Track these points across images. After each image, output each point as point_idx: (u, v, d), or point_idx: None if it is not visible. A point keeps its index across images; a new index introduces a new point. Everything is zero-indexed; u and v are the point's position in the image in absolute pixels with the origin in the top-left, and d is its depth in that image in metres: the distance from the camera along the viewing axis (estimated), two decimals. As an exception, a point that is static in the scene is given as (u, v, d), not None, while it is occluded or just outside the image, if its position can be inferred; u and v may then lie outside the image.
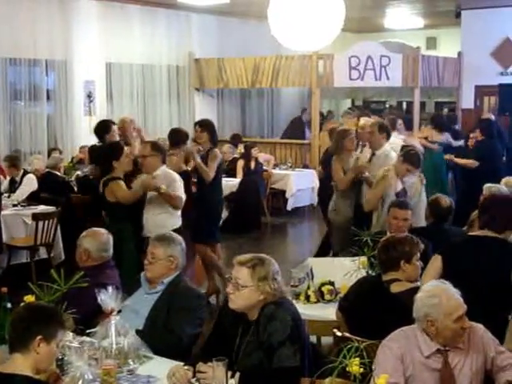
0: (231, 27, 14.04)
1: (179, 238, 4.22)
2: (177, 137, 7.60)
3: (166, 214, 6.25)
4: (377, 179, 6.58)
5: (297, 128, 14.17)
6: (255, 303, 3.40)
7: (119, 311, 3.60)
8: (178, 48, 13.37)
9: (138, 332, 3.66)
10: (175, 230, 5.83)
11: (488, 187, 6.58)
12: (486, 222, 4.05)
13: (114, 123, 7.94)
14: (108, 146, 7.01)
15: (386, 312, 3.79)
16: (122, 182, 6.19)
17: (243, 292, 3.39)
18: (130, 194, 6.15)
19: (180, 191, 6.26)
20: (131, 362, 3.44)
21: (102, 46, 11.80)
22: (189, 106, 13.84)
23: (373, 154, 7.11)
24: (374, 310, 3.92)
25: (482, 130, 9.66)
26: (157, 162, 6.26)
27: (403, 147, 7.06)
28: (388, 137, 7.16)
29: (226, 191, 10.34)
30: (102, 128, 7.81)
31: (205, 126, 7.61)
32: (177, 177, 6.35)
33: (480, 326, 3.40)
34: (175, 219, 6.32)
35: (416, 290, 3.65)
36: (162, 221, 6.19)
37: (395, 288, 4.03)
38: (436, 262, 4.15)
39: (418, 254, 4.15)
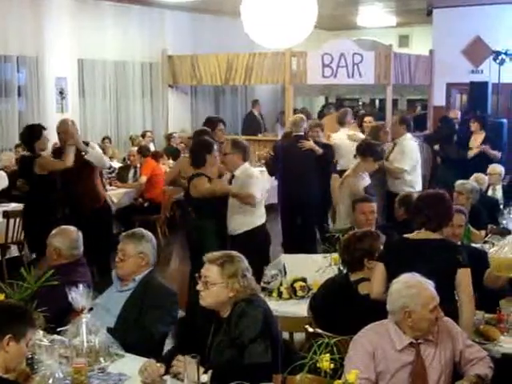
0: (205, 24, 14.01)
1: (150, 234, 4.20)
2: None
3: (246, 212, 6.12)
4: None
5: (250, 123, 14.18)
6: (225, 300, 3.41)
7: (90, 309, 3.58)
8: (151, 45, 13.31)
9: (109, 330, 3.65)
10: (256, 228, 6.06)
11: (461, 183, 6.67)
12: (422, 222, 4.04)
13: (44, 128, 7.18)
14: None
15: (354, 314, 3.80)
16: (205, 179, 6.05)
17: (213, 289, 3.40)
18: (205, 190, 6.04)
19: (253, 189, 6.05)
20: (102, 360, 3.43)
21: (74, 43, 11.70)
22: (162, 103, 13.79)
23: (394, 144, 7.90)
24: (343, 312, 3.93)
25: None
26: (238, 159, 6.18)
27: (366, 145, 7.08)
28: (408, 128, 8.09)
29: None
30: (30, 135, 7.04)
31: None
32: (254, 173, 6.25)
33: (448, 319, 3.46)
34: (255, 218, 6.17)
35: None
36: (243, 219, 6.11)
37: (363, 289, 4.03)
38: (380, 268, 4.04)
39: (381, 247, 4.16)
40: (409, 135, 8.09)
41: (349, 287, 4.12)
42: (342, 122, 9.24)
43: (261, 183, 6.29)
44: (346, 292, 4.11)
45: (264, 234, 6.22)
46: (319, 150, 8.06)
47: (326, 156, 8.15)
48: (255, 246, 5.72)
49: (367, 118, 9.55)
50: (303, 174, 7.87)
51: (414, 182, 7.85)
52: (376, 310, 3.53)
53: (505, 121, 12.50)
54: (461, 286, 3.89)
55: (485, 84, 12.58)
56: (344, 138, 8.80)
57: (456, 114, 11.15)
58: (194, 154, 6.19)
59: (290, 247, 7.34)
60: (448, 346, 3.37)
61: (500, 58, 12.68)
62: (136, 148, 10.74)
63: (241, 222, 6.10)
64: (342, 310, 3.97)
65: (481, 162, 9.23)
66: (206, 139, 6.37)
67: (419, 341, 3.30)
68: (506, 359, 3.83)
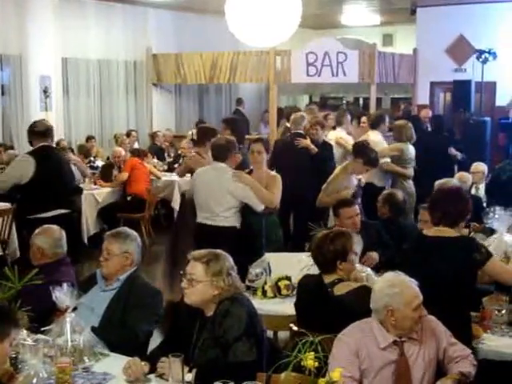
0: (189, 23, 13.99)
1: (134, 233, 4.20)
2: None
3: None
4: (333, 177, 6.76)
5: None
6: (210, 298, 3.42)
7: (74, 308, 3.58)
8: (135, 43, 13.28)
9: (93, 329, 3.64)
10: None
11: (441, 182, 6.71)
12: (439, 218, 4.07)
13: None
14: None
15: (328, 315, 3.80)
16: None
17: (197, 287, 3.41)
18: None
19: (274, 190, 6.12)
20: (87, 360, 3.43)
21: (58, 41, 11.64)
22: (146, 102, 13.76)
23: None
24: (319, 313, 3.93)
25: None
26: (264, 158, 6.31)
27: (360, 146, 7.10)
28: None
29: (184, 187, 10.33)
30: None
31: (229, 123, 7.51)
32: (277, 175, 6.30)
33: (432, 318, 3.48)
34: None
35: (361, 289, 3.71)
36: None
37: (339, 290, 4.00)
38: None
39: (354, 248, 4.13)
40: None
41: (322, 288, 4.07)
42: (339, 122, 9.47)
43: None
44: (320, 294, 4.07)
45: None
46: (314, 149, 8.09)
47: (322, 155, 8.15)
48: None
49: (363, 118, 9.59)
50: (297, 172, 7.83)
51: None
52: (351, 311, 3.54)
53: (488, 119, 12.60)
54: (497, 275, 4.00)
55: (468, 82, 12.66)
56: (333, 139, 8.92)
57: (427, 114, 11.15)
58: (218, 148, 6.13)
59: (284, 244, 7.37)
60: (432, 344, 3.39)
61: (483, 56, 12.77)
62: (120, 148, 10.69)
63: None
64: (317, 310, 3.96)
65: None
66: (230, 138, 6.35)
67: (403, 339, 3.31)
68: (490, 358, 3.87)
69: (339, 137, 9.02)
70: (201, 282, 3.40)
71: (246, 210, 6.01)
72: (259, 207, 5.94)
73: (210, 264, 3.42)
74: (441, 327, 3.47)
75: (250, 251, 5.53)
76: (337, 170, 6.90)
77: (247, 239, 5.89)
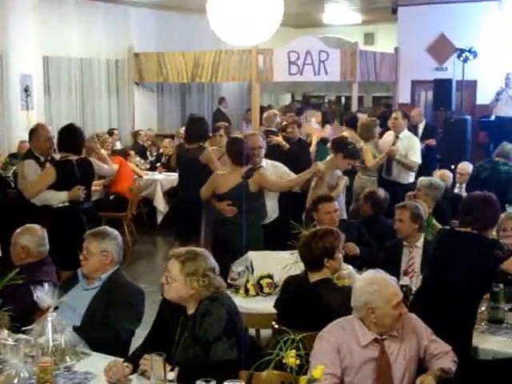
0: (171, 21, 13.96)
1: (115, 232, 4.19)
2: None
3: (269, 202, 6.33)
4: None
5: (218, 120, 14.17)
6: (186, 297, 3.43)
7: (56, 308, 3.56)
8: (117, 42, 13.21)
9: (75, 328, 3.63)
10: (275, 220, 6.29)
11: (420, 180, 6.77)
12: (469, 222, 4.14)
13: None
14: None
15: (314, 314, 3.82)
16: None
17: (173, 285, 3.43)
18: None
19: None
20: (68, 359, 3.41)
21: (39, 40, 11.55)
22: (128, 101, 13.70)
23: (396, 137, 8.25)
24: (302, 312, 3.95)
25: None
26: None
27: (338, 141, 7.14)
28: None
29: (166, 186, 10.34)
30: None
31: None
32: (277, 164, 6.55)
33: (412, 315, 3.50)
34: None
35: (345, 290, 3.73)
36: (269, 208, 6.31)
37: (324, 289, 4.05)
38: None
39: (341, 246, 4.18)
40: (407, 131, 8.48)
41: (311, 290, 4.08)
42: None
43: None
44: (306, 292, 4.09)
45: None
46: (286, 146, 8.18)
47: (295, 151, 8.20)
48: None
49: (396, 114, 9.68)
50: None
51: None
52: (336, 310, 3.57)
53: (469, 117, 12.69)
54: None
55: (449, 81, 12.74)
56: None
57: (417, 113, 11.28)
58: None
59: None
60: (412, 341, 3.41)
61: (464, 55, 12.85)
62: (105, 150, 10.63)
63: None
64: (302, 309, 3.98)
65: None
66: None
67: (383, 337, 3.33)
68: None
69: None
70: (176, 281, 3.41)
71: None
72: None
73: (186, 263, 3.42)
74: (421, 324, 3.50)
75: None
76: (322, 168, 6.89)
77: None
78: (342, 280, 4.45)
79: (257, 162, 6.27)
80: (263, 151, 6.44)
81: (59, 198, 6.15)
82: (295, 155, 8.19)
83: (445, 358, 3.45)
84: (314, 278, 4.11)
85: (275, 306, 4.35)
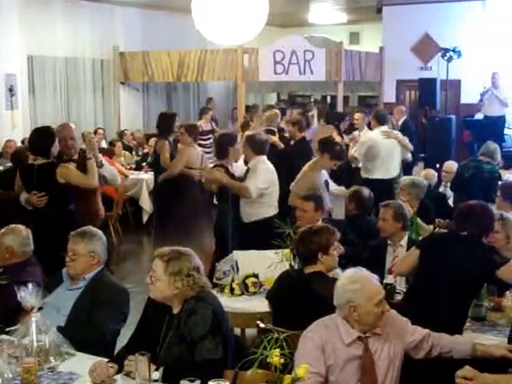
0: (156, 21, 13.94)
1: (100, 232, 4.19)
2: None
3: (254, 203, 6.37)
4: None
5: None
6: (171, 296, 3.43)
7: (40, 308, 3.55)
8: (102, 41, 13.19)
9: (59, 329, 3.62)
10: (267, 219, 6.20)
11: (402, 179, 6.80)
12: (465, 229, 4.24)
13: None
14: None
15: (308, 307, 3.85)
16: None
17: (157, 285, 3.43)
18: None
19: (250, 182, 6.30)
20: (52, 360, 3.40)
21: (23, 39, 11.50)
22: (114, 100, 13.67)
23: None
24: (297, 306, 3.98)
25: None
26: (250, 152, 6.55)
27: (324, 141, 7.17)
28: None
29: (152, 185, 10.30)
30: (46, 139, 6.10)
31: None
32: (260, 167, 6.42)
33: (393, 311, 3.52)
34: (266, 209, 6.39)
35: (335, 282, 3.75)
36: (252, 209, 6.38)
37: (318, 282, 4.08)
38: (413, 254, 4.36)
39: (336, 243, 4.23)
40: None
41: (303, 281, 4.15)
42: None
43: (262, 178, 6.41)
44: (301, 286, 4.14)
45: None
46: (280, 145, 8.34)
47: (292, 152, 8.29)
48: (264, 235, 5.76)
49: (357, 115, 9.75)
50: None
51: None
52: (326, 299, 3.57)
53: (453, 117, 12.77)
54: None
55: (433, 80, 12.81)
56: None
57: (398, 112, 11.37)
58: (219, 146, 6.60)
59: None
60: (396, 339, 3.42)
61: (448, 55, 12.94)
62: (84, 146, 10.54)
63: (248, 211, 6.40)
64: (297, 303, 4.01)
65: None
66: (231, 133, 6.62)
67: (367, 335, 3.34)
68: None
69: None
70: (160, 280, 3.41)
71: None
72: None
73: (170, 263, 3.42)
74: (402, 319, 3.52)
75: None
76: (305, 167, 6.94)
77: None
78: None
79: (72, 154, 6.14)
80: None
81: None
82: (292, 155, 8.22)
83: (436, 335, 3.51)
84: (308, 270, 4.18)
85: (267, 297, 4.39)
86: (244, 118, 11.37)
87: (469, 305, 4.16)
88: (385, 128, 8.40)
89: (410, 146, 8.55)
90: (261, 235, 5.78)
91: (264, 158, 6.49)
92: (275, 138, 8.36)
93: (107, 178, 6.40)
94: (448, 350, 3.50)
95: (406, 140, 8.48)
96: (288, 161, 8.05)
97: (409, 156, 8.70)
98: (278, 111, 9.56)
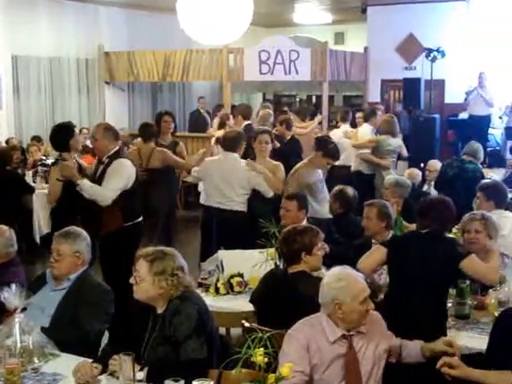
0: (141, 20, 13.92)
1: (84, 233, 4.18)
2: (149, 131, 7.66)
3: None
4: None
5: (195, 120, 14.18)
6: (155, 296, 3.43)
7: (24, 309, 3.54)
8: (87, 41, 13.15)
9: (43, 329, 3.62)
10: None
11: (386, 178, 6.84)
12: (427, 225, 4.26)
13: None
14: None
15: (293, 307, 3.86)
16: None
17: (142, 285, 3.43)
18: None
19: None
20: (36, 360, 3.39)
21: (7, 39, 11.47)
22: (99, 100, 13.64)
23: None
24: (282, 305, 3.99)
25: None
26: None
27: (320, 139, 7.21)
28: None
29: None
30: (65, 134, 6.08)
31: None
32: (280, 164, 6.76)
33: (377, 313, 3.54)
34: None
35: (320, 280, 3.76)
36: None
37: (301, 284, 4.09)
38: (379, 251, 4.31)
39: (320, 244, 4.25)
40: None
41: (287, 280, 4.17)
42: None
43: None
44: (285, 285, 4.15)
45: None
46: (276, 144, 8.34)
47: (283, 150, 8.29)
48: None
49: (358, 114, 9.85)
50: None
51: None
52: (310, 298, 3.59)
53: (437, 116, 12.84)
54: (475, 270, 4.12)
55: (417, 80, 12.86)
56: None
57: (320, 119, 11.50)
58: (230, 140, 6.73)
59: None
60: (381, 338, 3.44)
61: (432, 55, 12.99)
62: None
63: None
64: (281, 303, 4.02)
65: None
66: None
67: (351, 333, 3.36)
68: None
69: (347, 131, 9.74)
70: (144, 280, 3.42)
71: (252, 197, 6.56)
72: (269, 194, 6.48)
73: (154, 263, 3.42)
74: (382, 320, 3.55)
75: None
76: (298, 165, 6.96)
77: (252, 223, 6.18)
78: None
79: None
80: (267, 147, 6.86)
81: None
82: (283, 153, 8.23)
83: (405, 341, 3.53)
84: (292, 270, 4.19)
85: (251, 298, 4.41)
86: (220, 118, 11.33)
87: (444, 302, 4.15)
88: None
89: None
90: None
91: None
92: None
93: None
94: (406, 355, 3.53)
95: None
96: (284, 160, 8.10)
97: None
98: (270, 111, 9.59)
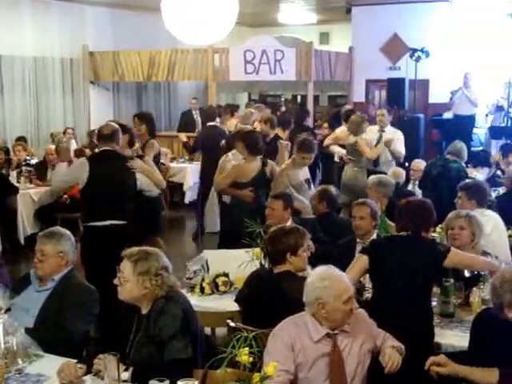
0: (126, 20, 13.87)
1: (68, 232, 4.16)
2: None
3: None
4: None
5: (186, 120, 14.15)
6: (139, 297, 3.44)
7: (8, 310, 3.53)
8: (72, 41, 13.08)
9: (27, 330, 3.60)
10: None
11: (370, 178, 6.87)
12: (405, 226, 4.26)
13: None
14: None
15: (278, 306, 3.86)
16: None
17: (126, 286, 3.43)
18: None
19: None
20: (20, 361, 3.36)
21: (-10, 38, 11.39)
22: (84, 100, 13.57)
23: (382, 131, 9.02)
24: (267, 305, 3.99)
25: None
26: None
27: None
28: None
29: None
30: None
31: (143, 117, 7.66)
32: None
33: (362, 311, 3.56)
34: None
35: (304, 280, 3.77)
36: None
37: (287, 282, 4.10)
38: (361, 260, 4.27)
39: (305, 245, 4.26)
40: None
41: (272, 280, 4.17)
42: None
43: None
44: (270, 285, 4.16)
45: None
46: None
47: (268, 150, 8.29)
48: None
49: (380, 111, 9.87)
50: None
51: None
52: (294, 298, 3.60)
53: (421, 116, 12.91)
54: (460, 262, 4.20)
55: (402, 80, 12.93)
56: None
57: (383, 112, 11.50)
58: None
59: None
60: (366, 336, 3.46)
61: (416, 55, 13.07)
62: (53, 146, 10.44)
63: None
64: (266, 302, 4.03)
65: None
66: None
67: (335, 332, 3.37)
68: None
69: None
70: (128, 281, 3.42)
71: None
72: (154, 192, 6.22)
73: (138, 263, 3.42)
74: (369, 320, 3.56)
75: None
76: (285, 165, 6.98)
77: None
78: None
79: None
80: None
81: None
82: (271, 153, 8.24)
83: (390, 338, 3.54)
84: (277, 270, 4.20)
85: (236, 297, 4.41)
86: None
87: (429, 301, 4.17)
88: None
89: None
90: None
91: None
92: None
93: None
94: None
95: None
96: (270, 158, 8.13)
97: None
98: (253, 110, 9.63)
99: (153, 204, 6.47)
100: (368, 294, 4.56)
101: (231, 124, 10.05)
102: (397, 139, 8.85)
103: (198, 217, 9.79)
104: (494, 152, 12.12)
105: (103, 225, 5.69)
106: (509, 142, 10.81)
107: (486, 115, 13.67)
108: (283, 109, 12.48)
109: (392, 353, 3.44)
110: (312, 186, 7.16)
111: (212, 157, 8.45)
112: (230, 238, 6.30)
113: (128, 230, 5.67)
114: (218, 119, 9.98)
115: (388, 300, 4.04)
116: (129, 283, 3.42)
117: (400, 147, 8.88)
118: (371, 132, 8.95)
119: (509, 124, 12.94)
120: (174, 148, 13.26)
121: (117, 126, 6.07)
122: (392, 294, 4.03)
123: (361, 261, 4.27)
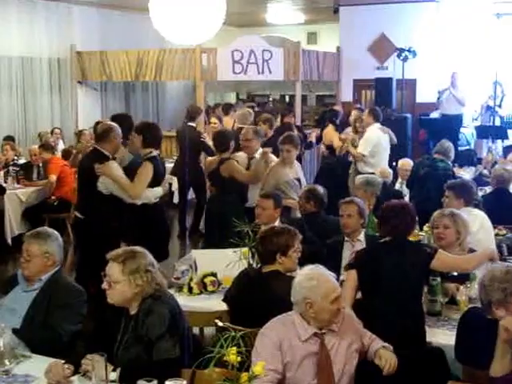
0: (114, 20, 13.84)
1: (55, 233, 4.15)
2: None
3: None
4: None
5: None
6: (131, 296, 3.43)
7: (-5, 310, 3.52)
8: (59, 40, 13.03)
9: (15, 331, 3.58)
10: None
11: (357, 178, 6.89)
12: (389, 231, 4.28)
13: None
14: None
15: (267, 305, 3.87)
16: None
17: (117, 288, 3.42)
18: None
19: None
20: (7, 362, 3.34)
21: (-23, 38, 11.33)
22: (71, 100, 13.53)
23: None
24: (256, 304, 4.00)
25: None
26: (256, 144, 7.18)
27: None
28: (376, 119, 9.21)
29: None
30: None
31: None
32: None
33: (350, 311, 3.57)
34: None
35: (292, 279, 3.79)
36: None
37: (274, 283, 4.11)
38: (350, 277, 4.26)
39: (296, 246, 4.26)
40: (376, 125, 9.15)
41: (260, 280, 4.18)
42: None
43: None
44: (258, 285, 4.16)
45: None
46: None
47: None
48: None
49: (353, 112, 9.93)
50: None
51: (376, 164, 8.72)
52: (282, 298, 3.61)
53: (409, 115, 12.95)
54: (447, 264, 4.22)
55: (389, 80, 12.97)
56: None
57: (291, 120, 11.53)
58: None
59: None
60: (353, 336, 3.47)
61: (403, 54, 13.11)
62: (37, 146, 10.37)
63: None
64: (255, 302, 4.03)
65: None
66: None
67: (323, 331, 3.38)
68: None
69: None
70: (119, 283, 3.41)
71: None
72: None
73: (127, 263, 3.42)
74: (357, 320, 3.57)
75: None
76: (275, 163, 6.99)
77: None
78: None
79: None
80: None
81: (156, 194, 6.16)
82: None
83: (377, 339, 3.56)
84: (266, 269, 4.21)
85: (225, 297, 4.42)
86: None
87: (420, 303, 4.18)
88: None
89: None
90: None
91: None
92: None
93: None
94: (369, 354, 3.56)
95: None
96: None
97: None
98: (251, 110, 9.62)
99: (149, 213, 6.15)
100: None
101: (227, 123, 10.02)
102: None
103: (180, 215, 9.86)
104: (483, 152, 12.22)
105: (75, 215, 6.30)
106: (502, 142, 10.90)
107: (476, 119, 13.73)
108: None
109: (387, 354, 3.46)
110: (303, 185, 7.16)
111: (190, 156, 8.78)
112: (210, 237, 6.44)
113: (86, 224, 6.04)
114: (199, 118, 10.00)
115: (378, 308, 4.04)
116: (119, 285, 3.41)
117: (361, 148, 8.91)
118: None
119: (496, 123, 13.01)
120: (162, 148, 13.20)
121: (110, 125, 6.15)
122: (382, 301, 4.04)
123: (350, 277, 4.25)
